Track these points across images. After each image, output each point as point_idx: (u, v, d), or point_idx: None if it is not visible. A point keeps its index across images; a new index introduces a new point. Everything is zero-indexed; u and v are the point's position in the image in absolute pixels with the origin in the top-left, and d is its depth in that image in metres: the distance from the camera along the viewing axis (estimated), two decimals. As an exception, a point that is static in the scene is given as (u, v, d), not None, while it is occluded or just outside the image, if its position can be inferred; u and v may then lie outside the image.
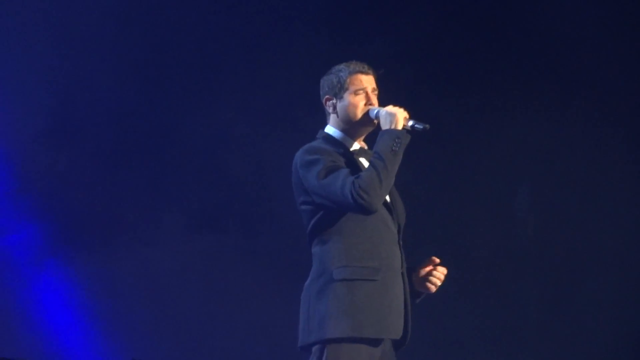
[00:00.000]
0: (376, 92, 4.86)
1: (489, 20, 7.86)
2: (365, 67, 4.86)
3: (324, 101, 4.86)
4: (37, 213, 7.21)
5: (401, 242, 4.74)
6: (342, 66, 4.86)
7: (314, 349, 4.57)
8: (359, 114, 4.79)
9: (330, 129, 4.83)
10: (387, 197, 4.71)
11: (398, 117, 4.68)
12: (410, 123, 4.71)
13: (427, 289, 4.85)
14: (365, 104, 4.80)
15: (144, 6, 7.40)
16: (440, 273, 4.84)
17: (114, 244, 7.32)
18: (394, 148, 4.60)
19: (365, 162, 4.78)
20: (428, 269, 4.86)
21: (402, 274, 4.69)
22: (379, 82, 4.88)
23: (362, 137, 4.87)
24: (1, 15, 7.15)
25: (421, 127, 4.71)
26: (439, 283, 4.85)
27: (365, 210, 4.55)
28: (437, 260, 4.86)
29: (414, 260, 4.91)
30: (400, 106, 4.75)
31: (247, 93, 7.59)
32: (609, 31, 7.79)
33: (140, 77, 7.42)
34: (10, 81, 7.18)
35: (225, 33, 7.58)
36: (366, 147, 4.87)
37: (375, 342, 4.58)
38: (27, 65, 7.21)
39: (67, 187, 7.24)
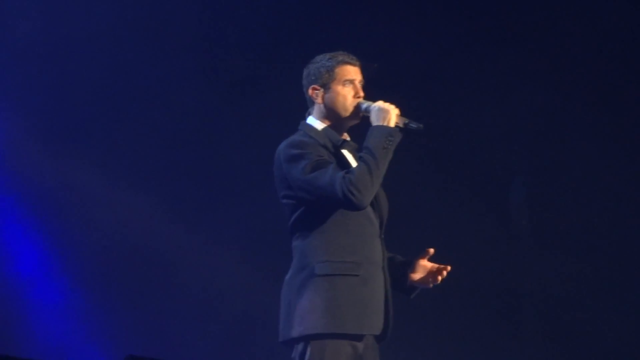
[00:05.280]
0: (362, 84, 4.78)
1: (481, 7, 7.82)
2: (353, 58, 4.79)
3: (309, 90, 4.75)
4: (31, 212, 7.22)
5: (383, 236, 4.68)
6: (328, 56, 4.77)
7: (297, 345, 4.53)
8: (348, 106, 4.71)
9: (313, 121, 4.74)
10: (370, 191, 4.64)
11: (391, 114, 4.61)
12: (405, 122, 4.64)
13: (425, 283, 4.78)
14: (354, 96, 4.73)
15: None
16: (445, 271, 4.76)
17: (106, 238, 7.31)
18: (385, 145, 4.53)
19: (349, 155, 4.71)
20: (424, 261, 4.78)
21: (383, 268, 4.63)
22: (372, 77, 4.83)
23: (346, 130, 4.78)
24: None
25: (415, 126, 4.64)
26: (439, 280, 4.78)
27: (355, 206, 4.49)
28: (432, 251, 4.78)
29: (406, 254, 4.85)
30: (391, 102, 4.68)
31: (237, 85, 7.56)
32: (605, 17, 7.73)
33: (133, 70, 7.41)
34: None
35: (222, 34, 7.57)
36: (349, 139, 4.79)
37: (357, 337, 4.53)
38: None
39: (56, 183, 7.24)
